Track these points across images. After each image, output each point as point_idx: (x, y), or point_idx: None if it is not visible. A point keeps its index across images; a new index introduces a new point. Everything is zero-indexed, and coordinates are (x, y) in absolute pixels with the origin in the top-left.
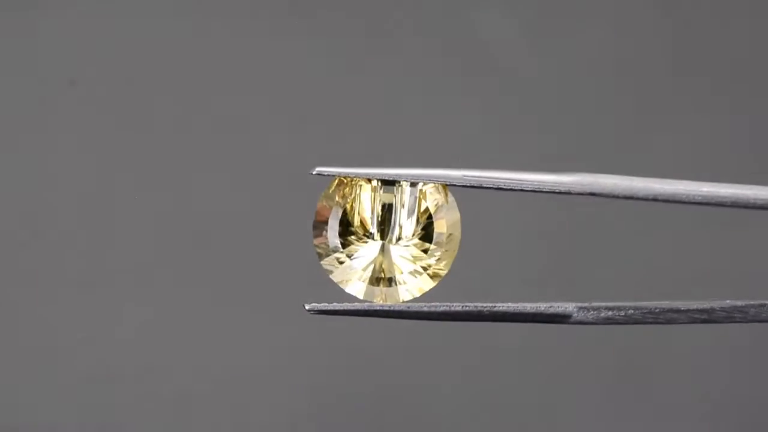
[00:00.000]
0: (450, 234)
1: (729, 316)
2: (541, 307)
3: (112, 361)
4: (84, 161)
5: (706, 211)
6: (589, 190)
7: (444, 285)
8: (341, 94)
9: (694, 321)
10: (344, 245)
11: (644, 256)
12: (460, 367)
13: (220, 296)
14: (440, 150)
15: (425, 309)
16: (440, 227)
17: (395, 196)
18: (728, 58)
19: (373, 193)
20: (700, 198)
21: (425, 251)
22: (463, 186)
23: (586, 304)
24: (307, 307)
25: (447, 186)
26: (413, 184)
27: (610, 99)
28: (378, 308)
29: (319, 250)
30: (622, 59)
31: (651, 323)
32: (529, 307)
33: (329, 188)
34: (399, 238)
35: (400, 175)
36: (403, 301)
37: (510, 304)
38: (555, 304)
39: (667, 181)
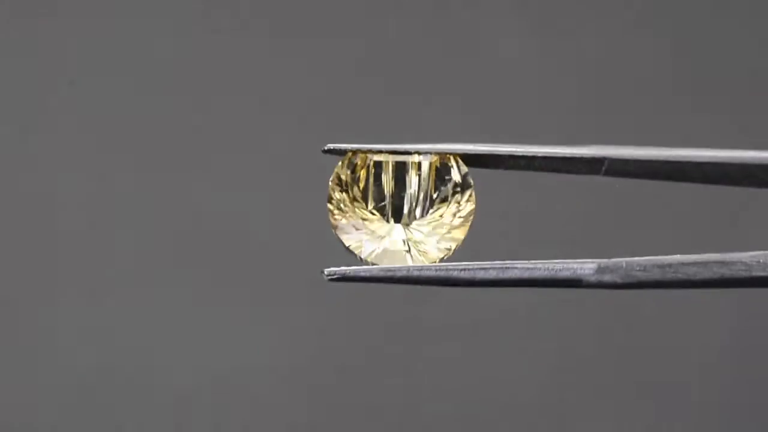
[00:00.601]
0: (465, 210)
1: (747, 270)
2: (557, 266)
3: (112, 361)
4: (84, 161)
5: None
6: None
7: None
8: (341, 94)
9: (712, 279)
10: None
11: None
12: (461, 368)
13: (220, 296)
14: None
15: (442, 273)
16: (455, 206)
17: (407, 173)
18: (728, 58)
19: (385, 170)
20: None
21: (440, 225)
22: (475, 154)
23: (604, 261)
24: (326, 272)
25: (459, 158)
26: (425, 160)
27: (610, 99)
28: (396, 274)
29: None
30: (623, 59)
31: (670, 284)
32: (542, 267)
33: (341, 164)
34: (414, 218)
35: (411, 149)
36: (421, 263)
37: (523, 263)
38: (570, 263)
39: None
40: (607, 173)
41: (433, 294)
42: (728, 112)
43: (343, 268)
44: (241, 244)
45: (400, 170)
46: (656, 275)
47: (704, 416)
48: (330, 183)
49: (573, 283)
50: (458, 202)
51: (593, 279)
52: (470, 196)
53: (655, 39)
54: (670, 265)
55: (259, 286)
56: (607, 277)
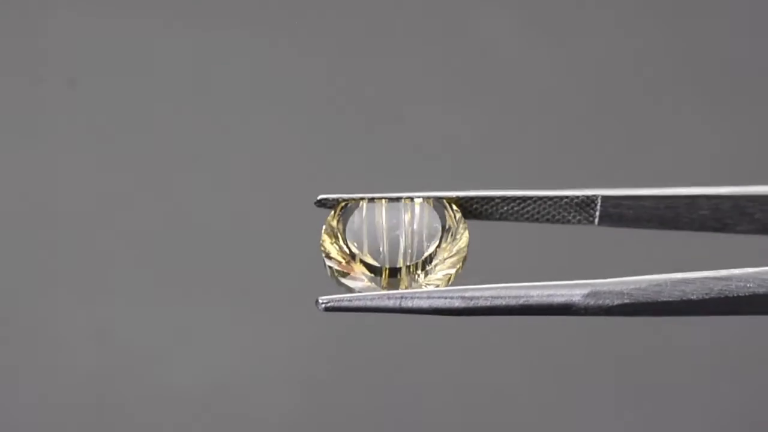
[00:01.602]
0: (458, 252)
1: (744, 286)
2: (544, 295)
3: (112, 361)
4: (84, 161)
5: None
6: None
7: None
8: (340, 94)
9: (709, 297)
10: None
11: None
12: (461, 368)
13: (220, 296)
14: (440, 151)
15: (440, 302)
16: (448, 249)
17: (400, 217)
18: (728, 59)
19: (378, 214)
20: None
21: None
22: (467, 199)
23: (592, 286)
24: (321, 302)
25: (453, 202)
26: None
27: (610, 99)
28: (389, 303)
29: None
30: (622, 60)
31: (664, 307)
32: (534, 295)
33: (333, 214)
34: (408, 266)
35: (403, 196)
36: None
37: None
38: (558, 291)
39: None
40: (602, 219)
41: None
42: (729, 113)
43: (337, 296)
44: (242, 244)
45: (394, 210)
46: (651, 295)
47: (704, 416)
48: (322, 233)
49: (565, 309)
50: (453, 237)
51: (584, 303)
52: (463, 232)
53: (656, 39)
54: (665, 284)
55: (258, 287)
56: (599, 302)
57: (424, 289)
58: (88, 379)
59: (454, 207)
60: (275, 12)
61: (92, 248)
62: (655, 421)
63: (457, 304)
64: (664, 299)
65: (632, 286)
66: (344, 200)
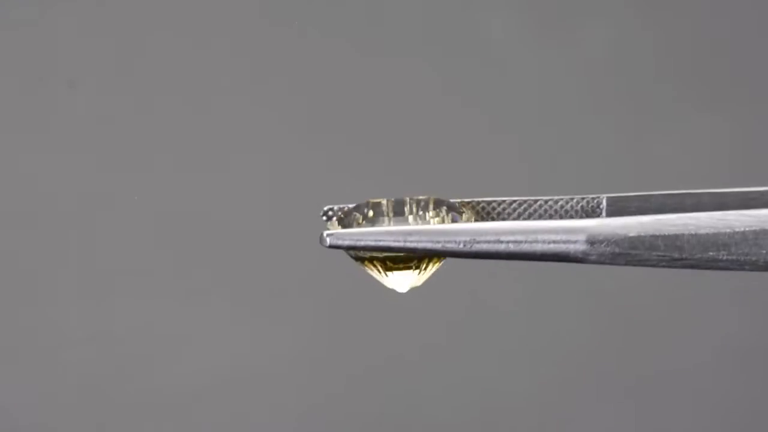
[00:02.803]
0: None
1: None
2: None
3: (112, 361)
4: (84, 161)
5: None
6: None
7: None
8: (340, 94)
9: (712, 232)
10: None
11: None
12: (461, 369)
13: (220, 296)
14: (439, 150)
15: (442, 244)
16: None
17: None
18: (729, 59)
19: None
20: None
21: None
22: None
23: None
24: (326, 236)
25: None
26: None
27: (610, 100)
28: (394, 242)
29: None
30: (623, 60)
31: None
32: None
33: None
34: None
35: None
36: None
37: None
38: (559, 236)
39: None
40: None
41: (432, 294)
42: (729, 114)
43: (341, 231)
44: (242, 244)
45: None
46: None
47: (703, 415)
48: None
49: (567, 258)
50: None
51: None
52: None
53: (656, 39)
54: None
55: (259, 286)
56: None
57: (428, 227)
58: (88, 379)
59: (463, 209)
60: (275, 12)
61: (92, 248)
62: (656, 421)
63: (460, 247)
64: (668, 233)
65: (634, 221)
66: (346, 212)
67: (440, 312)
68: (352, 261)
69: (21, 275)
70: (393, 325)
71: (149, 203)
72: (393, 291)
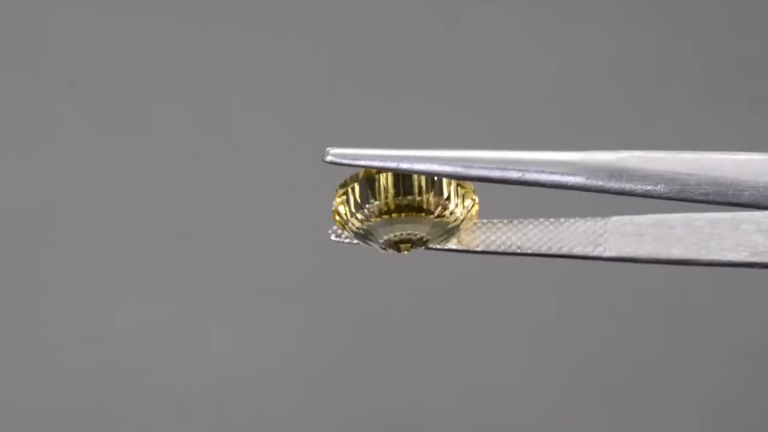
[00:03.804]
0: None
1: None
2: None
3: (112, 361)
4: (83, 161)
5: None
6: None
7: None
8: (339, 94)
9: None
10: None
11: None
12: (462, 369)
13: (220, 296)
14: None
15: (437, 167)
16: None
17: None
18: (729, 59)
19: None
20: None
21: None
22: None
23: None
24: (329, 152)
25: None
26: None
27: (610, 100)
28: (391, 165)
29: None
30: (623, 60)
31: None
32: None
33: (338, 196)
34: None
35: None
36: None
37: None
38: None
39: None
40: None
41: (431, 295)
42: (730, 114)
43: (343, 151)
44: (242, 245)
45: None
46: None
47: (704, 417)
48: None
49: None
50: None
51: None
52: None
53: (656, 40)
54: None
55: (258, 287)
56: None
57: (424, 153)
58: (88, 380)
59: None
60: (275, 12)
61: (92, 248)
62: (655, 421)
63: (458, 170)
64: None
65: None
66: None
67: (440, 312)
68: (354, 260)
69: (21, 275)
70: (393, 325)
71: (149, 203)
72: (394, 287)
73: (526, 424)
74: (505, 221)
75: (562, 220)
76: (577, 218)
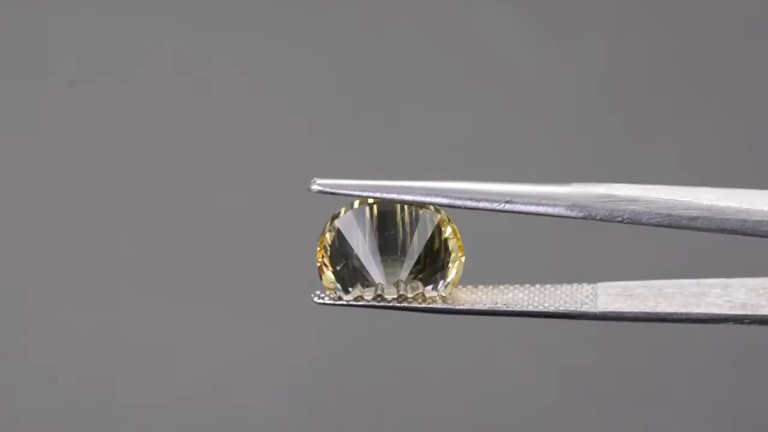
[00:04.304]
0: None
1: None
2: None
3: (112, 361)
4: (83, 161)
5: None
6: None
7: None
8: (339, 94)
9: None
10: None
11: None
12: (462, 368)
13: (220, 296)
14: (439, 150)
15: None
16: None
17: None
18: (729, 58)
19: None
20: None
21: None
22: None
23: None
24: (315, 184)
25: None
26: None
27: (610, 100)
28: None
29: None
30: (623, 59)
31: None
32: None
33: (326, 229)
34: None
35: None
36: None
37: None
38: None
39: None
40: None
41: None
42: (730, 114)
43: (331, 181)
44: (241, 245)
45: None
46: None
47: (705, 418)
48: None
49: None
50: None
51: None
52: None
53: (657, 38)
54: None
55: (258, 287)
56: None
57: (409, 183)
58: (87, 380)
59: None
60: (275, 11)
61: (92, 248)
62: (655, 421)
63: (444, 201)
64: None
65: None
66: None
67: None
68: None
69: (21, 275)
70: (393, 325)
71: (150, 203)
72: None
73: (526, 423)
74: (491, 286)
75: (548, 285)
76: (564, 284)
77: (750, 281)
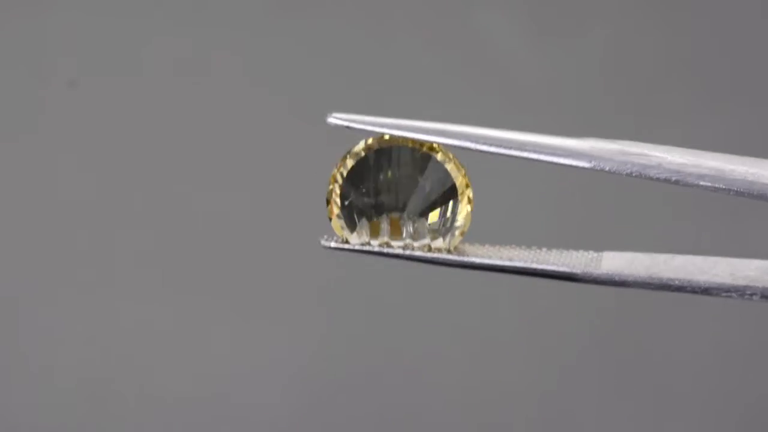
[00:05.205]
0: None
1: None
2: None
3: (112, 361)
4: (84, 161)
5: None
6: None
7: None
8: (338, 94)
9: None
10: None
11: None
12: (462, 368)
13: (220, 297)
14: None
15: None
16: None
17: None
18: (730, 57)
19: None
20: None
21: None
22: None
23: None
24: (331, 119)
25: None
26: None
27: (610, 100)
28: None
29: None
30: (623, 59)
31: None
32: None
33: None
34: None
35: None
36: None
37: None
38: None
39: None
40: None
41: (431, 295)
42: (730, 114)
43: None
44: (241, 245)
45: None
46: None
47: (702, 418)
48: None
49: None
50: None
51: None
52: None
53: (657, 39)
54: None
55: (258, 287)
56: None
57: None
58: (87, 380)
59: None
60: (274, 10)
61: (92, 248)
62: (655, 421)
63: (470, 145)
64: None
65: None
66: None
67: (440, 312)
68: (354, 260)
69: (21, 275)
70: (393, 325)
71: (150, 204)
72: (394, 287)
73: (525, 423)
74: (497, 246)
75: (554, 249)
76: (570, 249)
77: (760, 262)
